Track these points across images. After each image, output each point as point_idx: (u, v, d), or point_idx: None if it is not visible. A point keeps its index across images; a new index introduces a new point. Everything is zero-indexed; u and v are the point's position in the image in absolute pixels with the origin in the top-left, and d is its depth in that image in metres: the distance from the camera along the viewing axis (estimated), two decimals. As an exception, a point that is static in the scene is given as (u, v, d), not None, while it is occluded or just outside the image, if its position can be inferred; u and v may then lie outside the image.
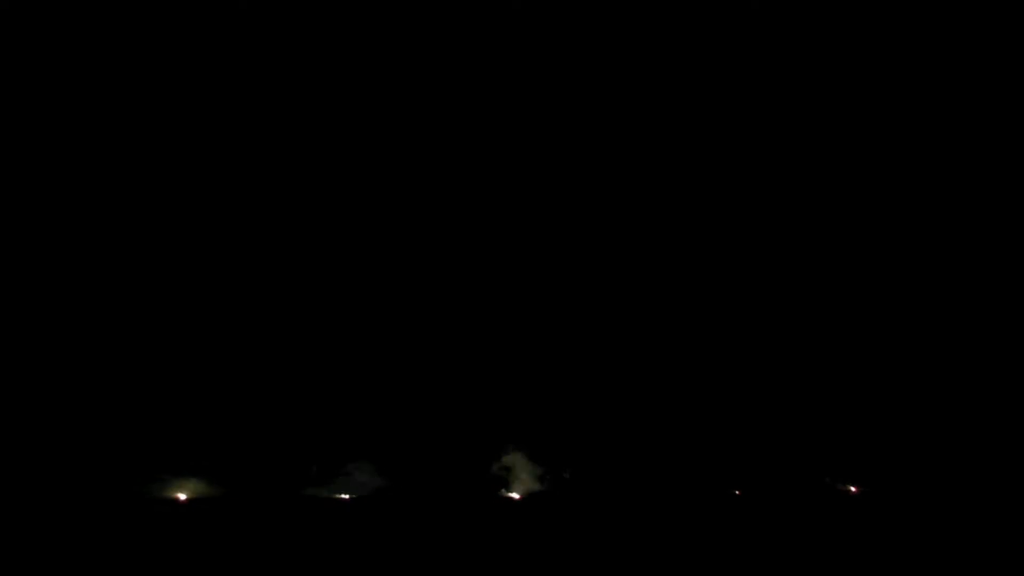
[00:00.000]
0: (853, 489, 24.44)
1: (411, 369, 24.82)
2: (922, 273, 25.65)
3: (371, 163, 25.67)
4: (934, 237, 25.81)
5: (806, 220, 26.07)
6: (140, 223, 24.86)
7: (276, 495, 22.73)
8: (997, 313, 25.23)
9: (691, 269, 25.81)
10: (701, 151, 26.28)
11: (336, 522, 22.26)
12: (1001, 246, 25.67)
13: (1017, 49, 25.55)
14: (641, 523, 22.34)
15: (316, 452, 23.54)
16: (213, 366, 23.96)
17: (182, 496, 22.52)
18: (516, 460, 23.90)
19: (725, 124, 26.29)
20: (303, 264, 25.18)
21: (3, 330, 23.60)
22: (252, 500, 22.51)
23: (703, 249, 25.92)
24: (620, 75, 26.17)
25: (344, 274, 25.26)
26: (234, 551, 20.51)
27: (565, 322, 25.34)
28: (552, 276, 25.56)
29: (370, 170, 25.67)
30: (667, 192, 26.16)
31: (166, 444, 22.99)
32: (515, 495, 23.77)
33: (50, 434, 22.86)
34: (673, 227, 26.03)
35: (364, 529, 21.93)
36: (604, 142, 26.24)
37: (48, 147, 24.61)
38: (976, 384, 24.85)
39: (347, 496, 23.15)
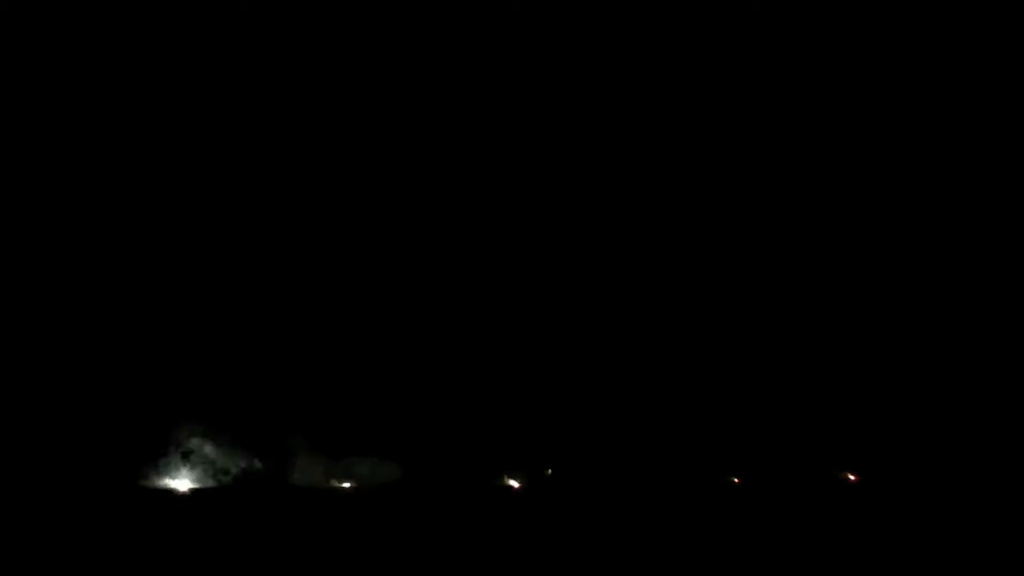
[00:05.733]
0: (852, 477, 24.46)
1: (411, 366, 24.87)
2: (916, 270, 25.71)
3: (371, 164, 25.77)
4: (932, 234, 25.88)
5: (806, 218, 26.12)
6: (144, 223, 24.93)
7: (275, 486, 22.82)
8: (991, 307, 25.28)
9: (693, 267, 25.87)
10: (701, 152, 26.35)
11: (342, 511, 22.39)
12: (999, 245, 25.70)
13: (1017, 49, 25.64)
14: (645, 509, 22.40)
15: (320, 446, 23.62)
16: (217, 362, 24.03)
17: (182, 488, 22.62)
18: (518, 451, 24.04)
19: (725, 125, 26.37)
20: (306, 264, 25.24)
21: (11, 331, 23.69)
22: (252, 491, 22.60)
23: (703, 246, 25.99)
24: (620, 76, 26.27)
25: (346, 274, 25.32)
26: (235, 539, 20.55)
27: (572, 316, 25.45)
28: (555, 271, 25.64)
29: (369, 171, 25.77)
30: (667, 192, 26.23)
31: (172, 436, 23.06)
32: (515, 484, 23.86)
33: (56, 429, 22.94)
34: (671, 225, 26.09)
35: (365, 518, 22.02)
36: (604, 143, 26.32)
37: (48, 147, 24.73)
38: (972, 376, 24.87)
39: (348, 486, 23.26)
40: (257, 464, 23.01)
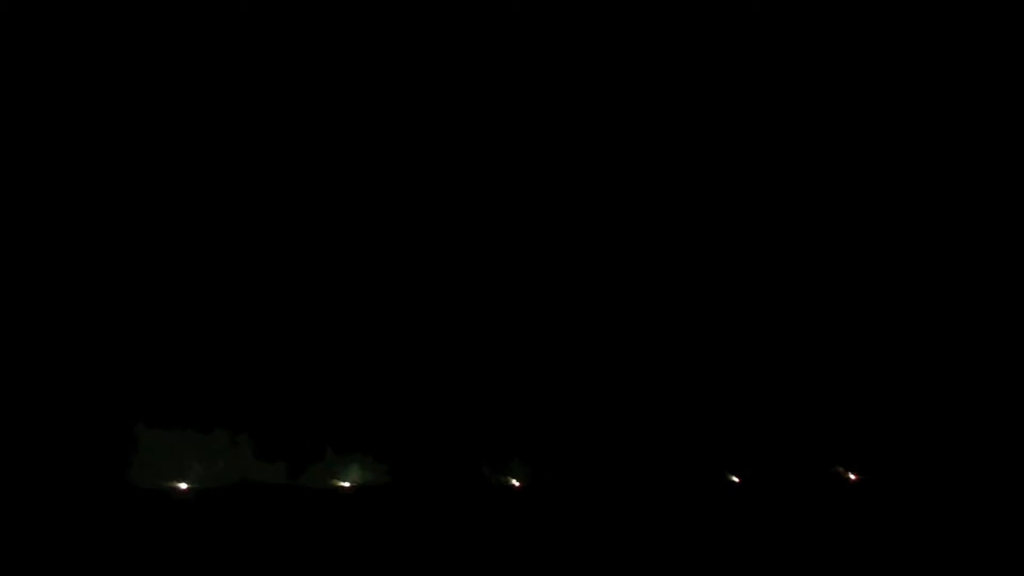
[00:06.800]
0: (852, 477, 24.43)
1: (409, 366, 24.84)
2: (918, 269, 25.69)
3: (370, 164, 25.74)
4: (934, 233, 25.85)
5: (806, 218, 26.11)
6: (145, 223, 24.91)
7: (276, 486, 22.81)
8: (994, 304, 25.26)
9: (693, 266, 25.84)
10: (701, 153, 26.32)
11: (337, 512, 22.35)
12: (999, 245, 25.68)
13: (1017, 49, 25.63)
14: (645, 509, 22.38)
15: (317, 445, 23.60)
16: (214, 361, 24.01)
17: (182, 486, 22.59)
18: (515, 451, 24.00)
19: (725, 126, 26.34)
20: (304, 263, 25.21)
21: (11, 327, 23.68)
22: (253, 491, 22.58)
23: (702, 246, 25.96)
24: (620, 77, 26.24)
25: (344, 273, 25.29)
26: (235, 540, 20.54)
27: (566, 316, 25.40)
28: (550, 273, 25.60)
29: (369, 171, 25.74)
30: (666, 192, 26.21)
31: (168, 433, 23.04)
32: (515, 483, 23.82)
33: (54, 426, 22.93)
34: (671, 225, 26.07)
35: (364, 518, 22.01)
36: (604, 145, 26.28)
37: (48, 147, 24.70)
38: (975, 375, 24.85)
39: (348, 485, 23.23)
40: (250, 465, 23.03)
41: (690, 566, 20.14)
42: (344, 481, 23.30)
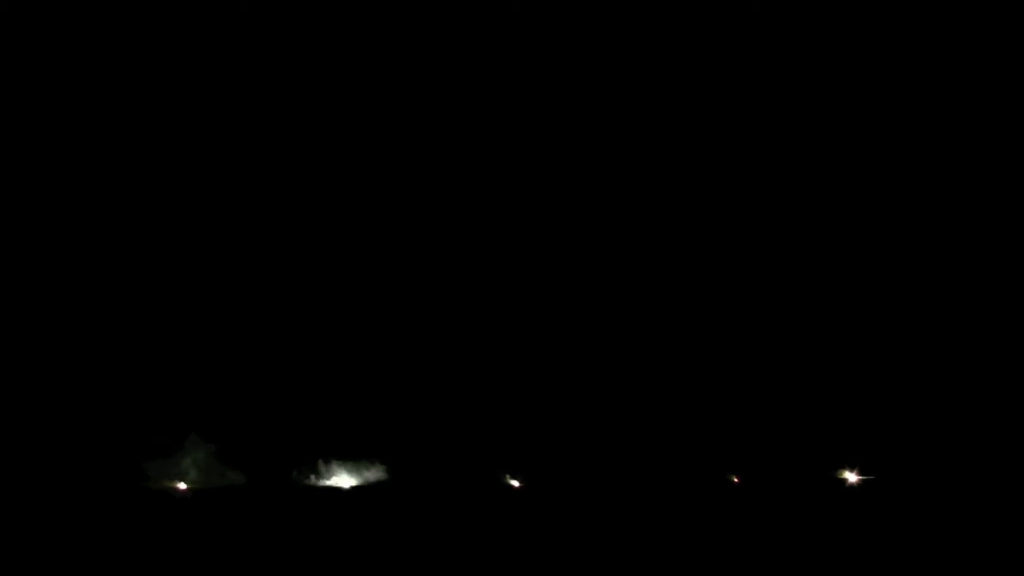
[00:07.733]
0: (853, 478, 24.47)
1: (409, 366, 24.89)
2: (918, 270, 25.74)
3: (370, 164, 25.79)
4: (933, 234, 25.90)
5: (805, 218, 26.15)
6: (144, 223, 24.98)
7: (277, 486, 22.86)
8: (994, 307, 25.31)
9: (693, 266, 25.91)
10: (701, 152, 26.37)
11: (339, 510, 22.44)
12: (999, 245, 25.73)
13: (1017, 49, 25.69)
14: (645, 508, 22.43)
15: (317, 446, 23.67)
16: (218, 362, 24.07)
17: (182, 486, 22.64)
18: (514, 451, 24.06)
19: (725, 126, 26.39)
20: (307, 265, 25.27)
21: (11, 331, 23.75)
22: (254, 490, 22.65)
23: (702, 246, 26.02)
24: (620, 77, 26.30)
25: (346, 275, 25.35)
26: (236, 538, 20.58)
27: (565, 317, 25.46)
28: (553, 269, 25.66)
29: (368, 171, 25.79)
30: (666, 192, 26.26)
31: (171, 435, 23.10)
32: (516, 483, 23.88)
33: (57, 428, 23.00)
34: (671, 225, 26.12)
35: (363, 517, 22.08)
36: (604, 143, 26.34)
37: (48, 147, 24.77)
38: (974, 377, 24.89)
39: (348, 486, 23.30)
40: (251, 466, 23.10)
41: (690, 566, 20.11)
42: (341, 482, 23.39)
